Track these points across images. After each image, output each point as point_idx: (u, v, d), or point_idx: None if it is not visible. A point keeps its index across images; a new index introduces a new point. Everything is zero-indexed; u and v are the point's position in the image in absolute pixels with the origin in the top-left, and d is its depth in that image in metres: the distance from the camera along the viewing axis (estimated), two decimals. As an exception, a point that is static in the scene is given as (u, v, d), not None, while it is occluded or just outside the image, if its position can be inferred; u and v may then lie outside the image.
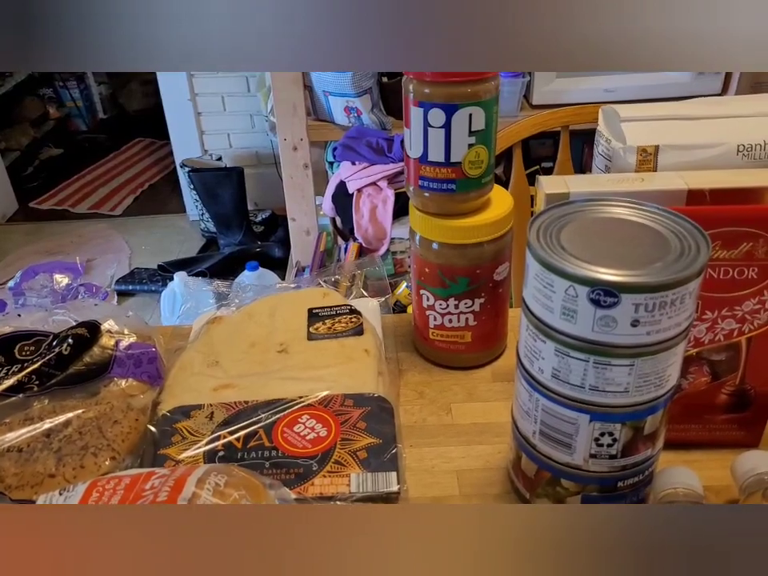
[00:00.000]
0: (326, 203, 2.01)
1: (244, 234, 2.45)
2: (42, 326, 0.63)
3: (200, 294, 0.72)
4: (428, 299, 0.62)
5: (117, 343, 0.60)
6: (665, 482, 0.47)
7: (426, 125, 0.54)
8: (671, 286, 0.38)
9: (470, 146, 0.54)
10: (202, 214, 2.54)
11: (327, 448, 0.53)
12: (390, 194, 1.86)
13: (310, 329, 0.66)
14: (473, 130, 0.53)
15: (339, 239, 2.10)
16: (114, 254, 2.52)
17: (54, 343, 0.58)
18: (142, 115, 3.61)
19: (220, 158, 2.56)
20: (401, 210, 1.89)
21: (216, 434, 0.55)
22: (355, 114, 1.95)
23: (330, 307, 0.69)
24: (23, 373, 0.55)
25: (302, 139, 2.00)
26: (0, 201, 2.79)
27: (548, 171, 2.14)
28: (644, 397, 0.43)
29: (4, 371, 0.56)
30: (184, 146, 2.60)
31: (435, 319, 0.63)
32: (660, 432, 0.46)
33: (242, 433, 0.55)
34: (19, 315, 0.62)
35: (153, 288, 2.26)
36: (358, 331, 0.65)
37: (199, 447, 0.54)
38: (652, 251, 0.41)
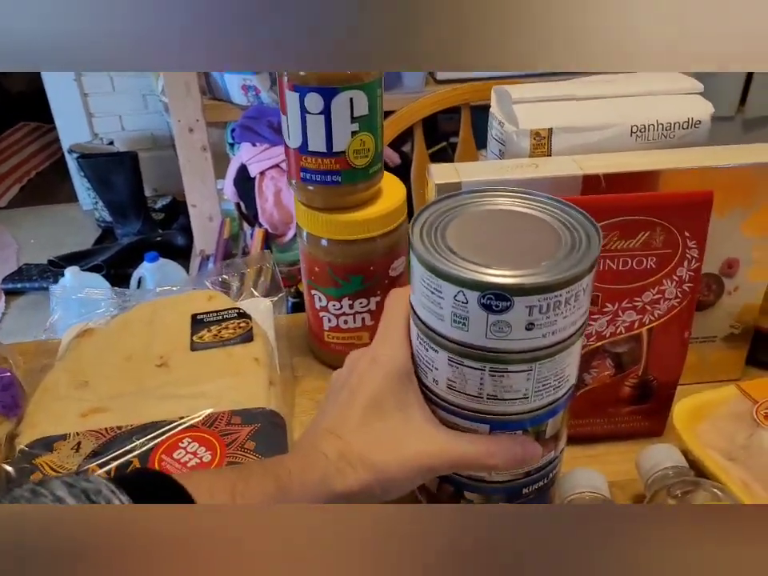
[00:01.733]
0: (228, 187, 1.92)
1: (143, 222, 2.32)
2: None
3: (69, 302, 0.64)
4: (320, 300, 0.58)
5: (-38, 370, 0.52)
6: (570, 486, 0.45)
7: (304, 111, 0.48)
8: (564, 285, 0.35)
9: (354, 133, 0.49)
10: (96, 203, 2.38)
11: (211, 475, 0.48)
12: (293, 177, 1.79)
13: (194, 337, 0.60)
14: (355, 115, 0.49)
15: (245, 225, 2.02)
16: (-1, 250, 2.33)
17: None
18: (25, 97, 3.35)
19: (112, 142, 2.40)
20: (306, 192, 1.83)
21: (83, 468, 0.49)
22: (254, 93, 1.86)
23: (216, 312, 0.63)
24: None
25: (197, 120, 1.90)
26: None
27: (456, 147, 2.13)
28: (544, 401, 0.40)
29: None
30: (71, 130, 2.43)
31: (330, 321, 0.58)
32: (561, 433, 0.44)
33: (114, 464, 0.49)
34: None
35: (44, 285, 2.10)
36: (247, 338, 0.60)
37: (63, 485, 0.47)
38: (543, 246, 0.37)
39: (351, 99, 0.48)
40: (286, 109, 0.50)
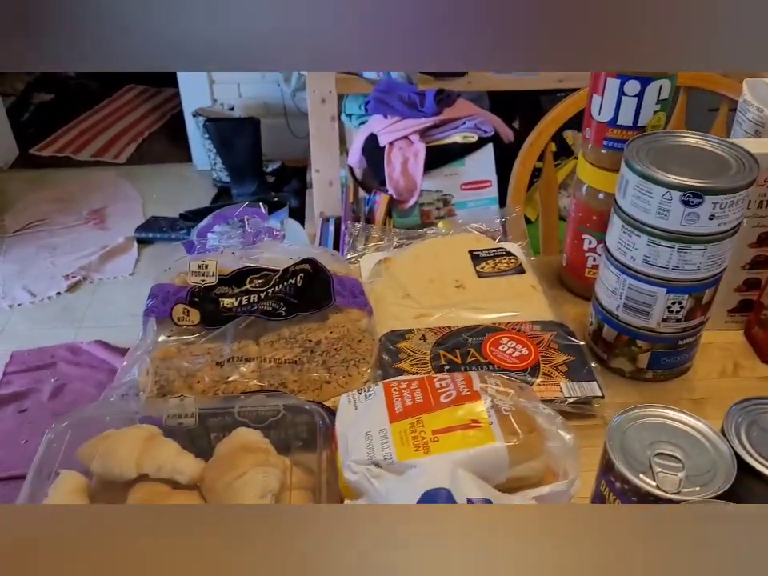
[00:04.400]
0: (354, 155, 2.07)
1: (258, 184, 2.50)
2: (242, 263, 0.71)
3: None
4: (590, 242, 0.73)
5: (332, 277, 0.69)
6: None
7: (621, 93, 0.63)
8: (738, 190, 0.55)
9: (655, 112, 0.64)
10: (215, 164, 2.56)
11: (533, 363, 0.64)
12: (421, 148, 1.94)
13: (477, 268, 0.76)
14: (660, 98, 0.64)
15: (360, 190, 2.18)
16: (125, 203, 2.53)
17: (287, 276, 0.66)
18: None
19: (233, 108, 2.57)
20: (431, 163, 1.98)
21: (435, 353, 0.65)
22: (384, 69, 2.00)
23: (488, 249, 0.79)
24: (272, 300, 0.64)
25: (330, 92, 2.05)
26: (1, 147, 2.74)
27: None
28: (708, 273, 0.59)
29: (255, 296, 0.64)
30: (193, 95, 2.60)
31: (594, 260, 0.74)
32: (712, 303, 0.63)
33: (457, 351, 0.65)
34: (233, 253, 0.70)
35: (173, 236, 2.29)
36: (520, 270, 0.76)
37: (426, 363, 0.64)
38: (717, 167, 0.56)
39: (660, 86, 0.63)
40: (601, 90, 0.65)
